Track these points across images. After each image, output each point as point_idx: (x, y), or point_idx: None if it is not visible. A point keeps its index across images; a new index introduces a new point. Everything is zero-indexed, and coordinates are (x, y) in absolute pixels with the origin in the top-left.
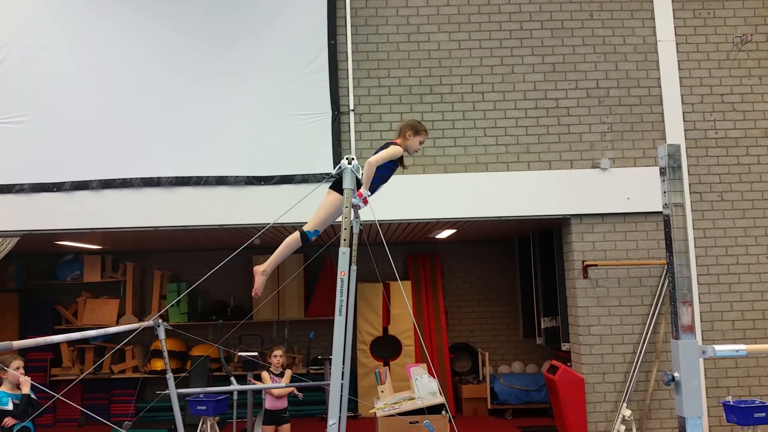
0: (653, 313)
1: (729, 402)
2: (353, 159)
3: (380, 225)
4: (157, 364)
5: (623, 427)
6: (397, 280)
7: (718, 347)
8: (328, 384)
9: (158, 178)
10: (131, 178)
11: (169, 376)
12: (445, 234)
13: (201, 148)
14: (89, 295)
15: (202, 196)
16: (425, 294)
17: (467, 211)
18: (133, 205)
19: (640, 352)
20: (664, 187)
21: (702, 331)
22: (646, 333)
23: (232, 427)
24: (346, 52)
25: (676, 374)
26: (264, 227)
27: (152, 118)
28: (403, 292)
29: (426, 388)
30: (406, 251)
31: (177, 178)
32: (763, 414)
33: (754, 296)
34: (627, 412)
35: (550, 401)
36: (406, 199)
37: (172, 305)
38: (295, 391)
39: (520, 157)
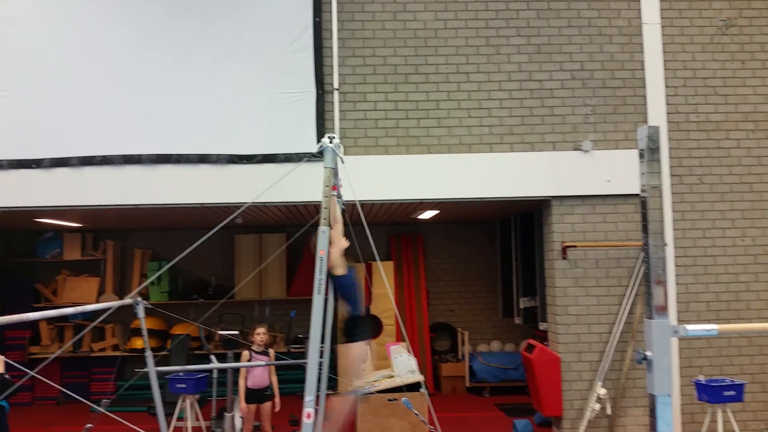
0: (630, 294)
1: (701, 381)
2: (334, 137)
3: (363, 205)
4: (137, 343)
5: (598, 405)
6: (377, 260)
7: (689, 327)
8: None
9: (139, 155)
10: (112, 156)
11: (148, 354)
12: (427, 215)
13: (183, 126)
14: (69, 273)
15: (184, 174)
16: (407, 274)
17: (450, 191)
18: (114, 182)
19: (616, 332)
20: (642, 169)
21: (678, 311)
22: (623, 313)
23: (212, 405)
24: (331, 30)
25: (648, 353)
26: (246, 206)
27: (133, 96)
28: (382, 272)
29: (405, 367)
30: (389, 232)
31: (158, 155)
32: (733, 392)
33: (729, 278)
34: (602, 391)
35: (527, 379)
36: (389, 180)
37: (150, 283)
38: (275, 384)
39: (504, 138)
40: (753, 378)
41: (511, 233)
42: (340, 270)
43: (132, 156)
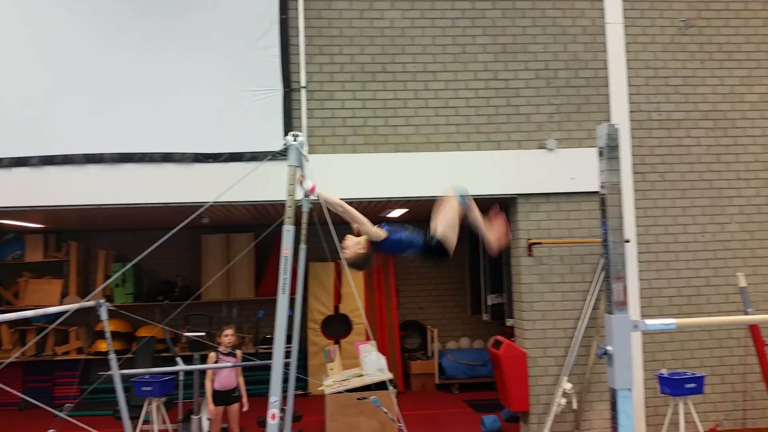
0: (594, 290)
1: (663, 375)
2: (299, 135)
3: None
4: (102, 345)
5: (564, 400)
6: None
7: (649, 321)
8: None
9: (101, 154)
10: (73, 155)
11: (112, 356)
12: (396, 213)
13: (146, 124)
14: (31, 275)
15: (148, 173)
16: (377, 273)
17: (418, 190)
18: (76, 182)
19: (581, 327)
20: (601, 167)
21: (641, 306)
22: (587, 309)
23: (179, 407)
24: (298, 27)
25: (609, 348)
26: (211, 205)
27: (95, 94)
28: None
29: (374, 365)
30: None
31: (121, 154)
32: (694, 385)
33: (690, 273)
34: (568, 385)
35: (495, 375)
36: (357, 178)
37: (114, 284)
38: (242, 385)
39: (471, 137)
40: (713, 370)
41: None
42: (381, 233)
43: (94, 155)
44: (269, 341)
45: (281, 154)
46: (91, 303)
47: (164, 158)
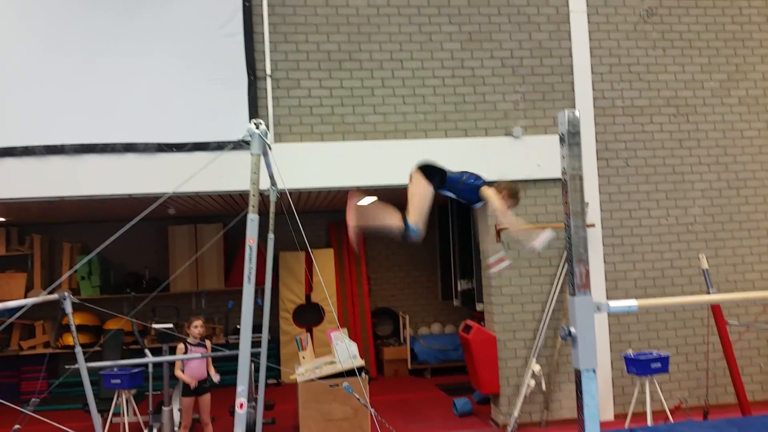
0: (560, 274)
1: (629, 355)
2: (261, 123)
3: (300, 193)
4: (70, 339)
5: (533, 381)
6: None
7: (611, 303)
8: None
9: (62, 145)
10: (33, 146)
11: (78, 350)
12: (366, 201)
13: (108, 114)
14: None
15: (110, 163)
16: (348, 261)
17: (387, 178)
18: (36, 174)
19: (548, 311)
20: (563, 152)
21: (606, 289)
22: (554, 292)
23: (149, 399)
24: (262, 15)
25: (572, 329)
26: (177, 196)
27: (55, 85)
28: (314, 262)
29: (346, 352)
30: (329, 219)
31: (82, 145)
32: (659, 364)
33: (654, 256)
34: (536, 367)
35: (465, 359)
36: (325, 167)
37: (80, 277)
38: (212, 373)
39: (438, 125)
40: (677, 350)
41: (449, 218)
42: (486, 192)
43: (55, 146)
44: (239, 331)
45: (245, 143)
46: (54, 296)
47: (127, 148)
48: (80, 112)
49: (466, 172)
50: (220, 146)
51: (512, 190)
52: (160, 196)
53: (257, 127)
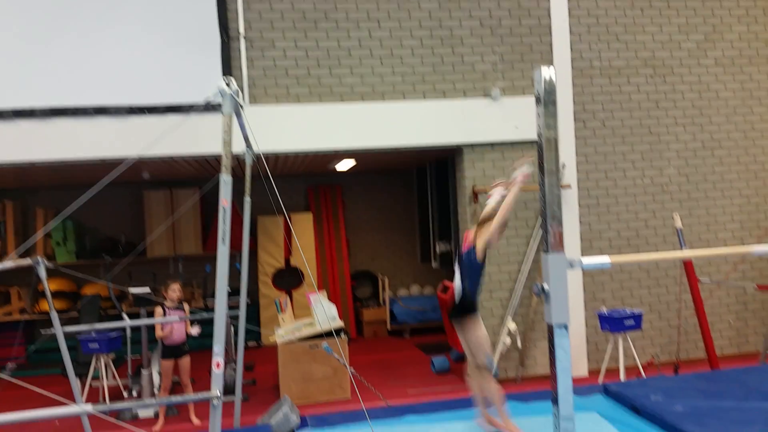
0: (536, 234)
1: (603, 313)
2: (232, 82)
3: (278, 156)
4: (46, 305)
5: (509, 339)
6: (284, 212)
7: (584, 259)
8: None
9: (32, 109)
10: (2, 110)
11: (53, 314)
12: (345, 165)
13: (79, 76)
14: None
15: (81, 127)
16: (327, 225)
17: (364, 141)
18: (5, 138)
19: (524, 270)
20: (538, 110)
21: (582, 249)
22: (530, 252)
23: (128, 363)
24: None
25: (545, 285)
26: (152, 160)
27: (23, 48)
28: (290, 226)
29: (325, 314)
30: (308, 183)
31: (53, 109)
32: (632, 321)
33: (629, 216)
34: (512, 325)
35: (443, 318)
36: (302, 130)
37: (53, 242)
38: (190, 329)
39: (416, 86)
40: (651, 308)
41: (428, 181)
42: (481, 254)
43: (24, 110)
44: None
45: (219, 105)
46: (27, 261)
47: (98, 111)
48: (50, 75)
49: (466, 254)
50: (192, 108)
51: (485, 218)
52: (133, 159)
53: (228, 86)
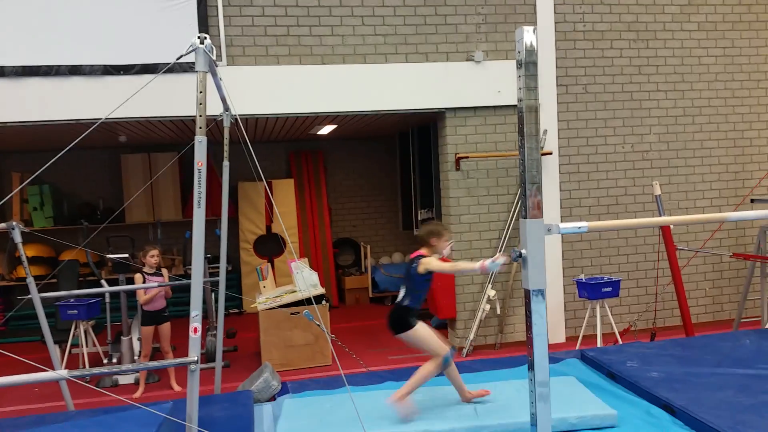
0: (517, 202)
1: (581, 280)
2: (206, 38)
3: (258, 120)
4: (24, 271)
5: (488, 306)
6: (263, 178)
7: (562, 225)
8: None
9: (2, 67)
10: None
11: (30, 280)
12: (326, 130)
13: (51, 34)
14: None
15: (54, 87)
16: (308, 191)
17: (345, 105)
18: None
19: (505, 237)
20: (519, 72)
21: (561, 216)
22: (511, 219)
23: (107, 330)
24: None
25: (523, 251)
26: (127, 122)
27: None
28: (269, 192)
29: (307, 281)
30: (289, 148)
31: (24, 67)
32: (610, 289)
33: (609, 183)
34: (492, 292)
35: None
36: (282, 92)
37: (29, 208)
38: (166, 291)
39: (398, 48)
40: (629, 275)
41: (410, 147)
42: (422, 268)
43: None
44: None
45: (190, 63)
46: (2, 225)
47: (72, 71)
48: (22, 33)
49: (411, 262)
50: (170, 69)
51: (433, 233)
52: (108, 121)
53: (202, 42)
